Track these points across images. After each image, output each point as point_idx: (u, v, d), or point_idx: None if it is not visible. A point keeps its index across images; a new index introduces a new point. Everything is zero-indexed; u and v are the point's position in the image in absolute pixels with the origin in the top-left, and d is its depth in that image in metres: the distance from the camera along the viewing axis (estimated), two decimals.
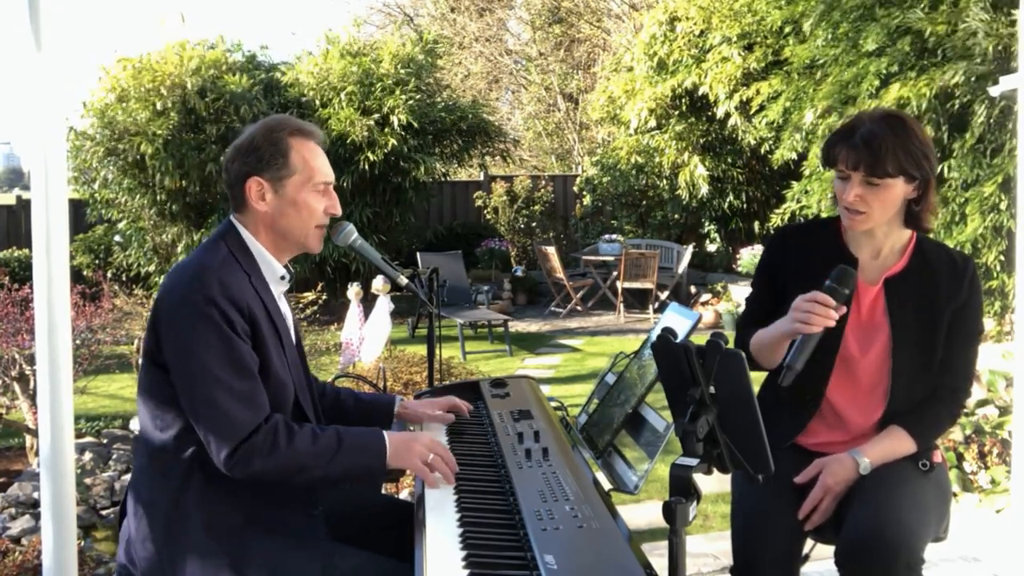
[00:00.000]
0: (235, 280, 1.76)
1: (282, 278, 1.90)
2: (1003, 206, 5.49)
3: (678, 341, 1.48)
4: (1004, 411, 4.12)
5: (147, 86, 9.42)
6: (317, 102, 10.21)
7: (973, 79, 5.51)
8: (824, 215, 6.04)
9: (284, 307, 1.94)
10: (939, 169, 5.81)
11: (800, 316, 1.85)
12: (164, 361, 1.74)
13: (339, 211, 1.91)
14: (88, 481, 4.25)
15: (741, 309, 9.08)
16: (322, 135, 1.94)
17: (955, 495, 3.82)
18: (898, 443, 2.01)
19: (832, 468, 1.98)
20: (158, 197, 9.66)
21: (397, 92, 10.05)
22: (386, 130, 9.86)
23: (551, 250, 10.31)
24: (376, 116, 9.91)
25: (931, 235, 2.15)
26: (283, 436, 1.70)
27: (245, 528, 1.72)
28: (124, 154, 9.36)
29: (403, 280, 2.50)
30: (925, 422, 2.03)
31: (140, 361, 1.86)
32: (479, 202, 13.06)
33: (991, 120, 5.56)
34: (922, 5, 5.94)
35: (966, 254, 2.14)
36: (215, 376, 1.68)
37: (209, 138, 9.42)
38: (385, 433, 1.81)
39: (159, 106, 9.28)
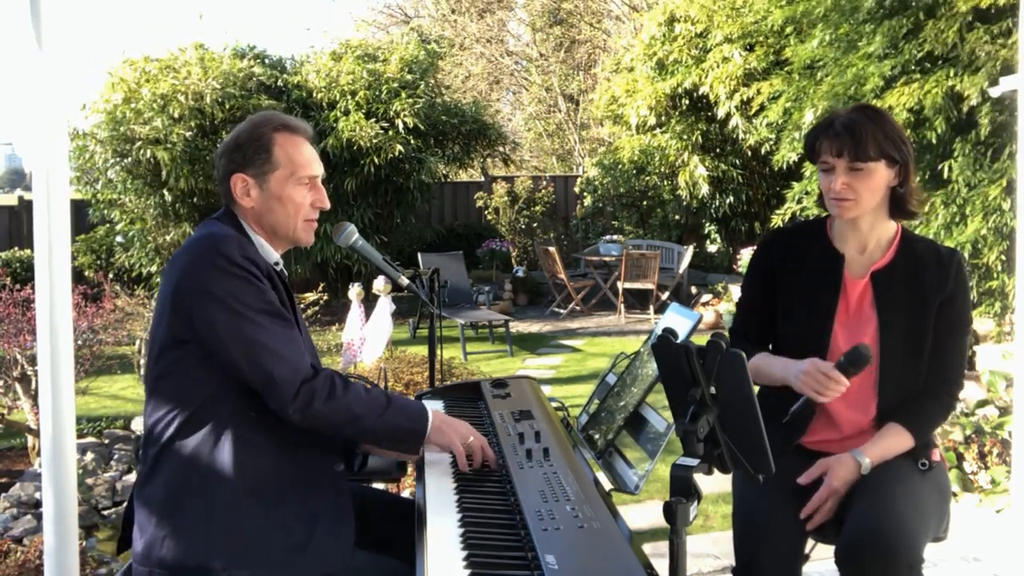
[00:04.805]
0: (247, 246, 1.80)
1: (276, 264, 1.92)
2: (1006, 206, 5.49)
3: (679, 341, 1.48)
4: (1004, 411, 4.12)
5: (163, 91, 9.43)
6: (325, 104, 10.23)
7: (983, 86, 5.52)
8: (825, 215, 6.02)
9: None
10: (942, 171, 5.81)
11: (812, 385, 1.94)
12: (191, 337, 1.73)
13: (327, 204, 1.93)
14: (90, 481, 4.26)
15: None
16: (310, 130, 1.95)
17: (955, 495, 3.82)
18: (896, 440, 2.02)
19: (836, 470, 1.99)
20: (166, 198, 9.68)
21: (403, 95, 10.08)
22: (390, 132, 9.88)
23: (553, 250, 10.32)
24: (383, 121, 9.93)
25: (931, 234, 2.18)
26: (340, 384, 1.75)
27: (279, 497, 1.73)
28: (135, 156, 9.35)
29: (404, 281, 2.50)
30: (921, 416, 2.05)
31: (146, 360, 1.86)
32: (480, 203, 13.07)
33: (995, 123, 5.55)
34: (923, 11, 5.94)
35: (952, 248, 2.17)
36: (259, 324, 1.71)
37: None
38: (427, 406, 1.89)
39: (175, 113, 9.30)
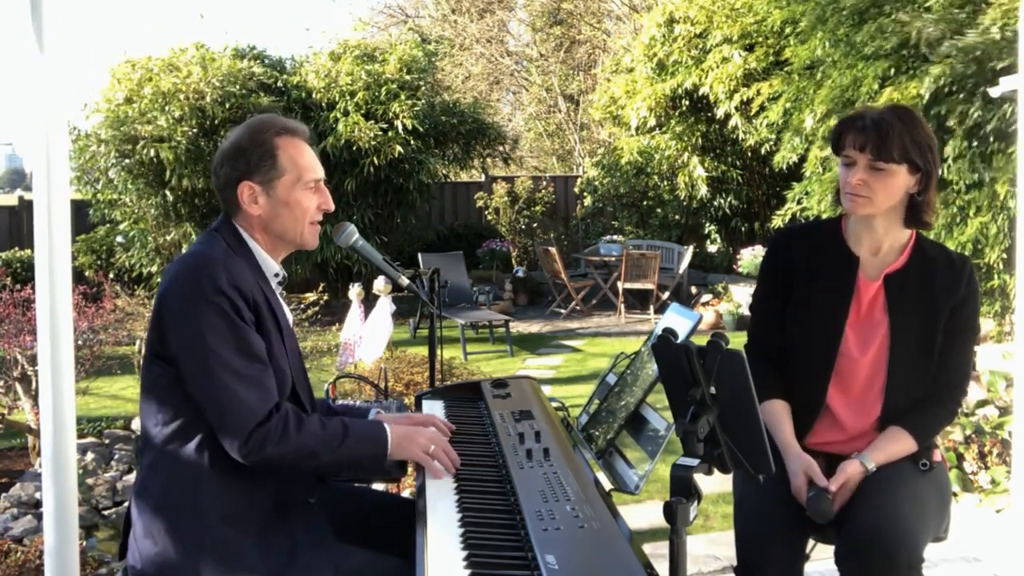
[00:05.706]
0: (238, 270, 1.78)
1: (276, 275, 1.91)
2: (1007, 206, 5.49)
3: (679, 341, 1.48)
4: (1004, 411, 4.12)
5: (165, 90, 9.43)
6: (324, 104, 10.23)
7: (952, 78, 5.52)
8: (825, 216, 6.04)
9: (282, 302, 1.96)
10: (942, 171, 5.81)
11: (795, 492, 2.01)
12: (169, 354, 1.74)
13: (332, 206, 1.93)
14: (90, 481, 4.25)
15: (742, 310, 9.10)
16: (308, 132, 1.95)
17: (955, 495, 3.82)
18: (899, 444, 2.02)
19: (848, 471, 1.99)
20: (167, 198, 9.68)
21: (402, 96, 10.08)
22: (389, 134, 9.89)
23: (553, 250, 10.32)
24: (382, 122, 9.94)
25: (931, 235, 2.18)
26: (293, 424, 1.73)
27: (260, 521, 1.75)
28: (137, 156, 9.35)
29: (404, 281, 2.50)
30: (924, 420, 2.04)
31: (142, 361, 1.86)
32: (480, 203, 13.07)
33: (985, 121, 5.55)
34: (914, 5, 5.95)
35: (964, 255, 2.16)
36: (226, 362, 1.69)
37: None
38: (386, 425, 1.86)
39: (176, 113, 9.30)
